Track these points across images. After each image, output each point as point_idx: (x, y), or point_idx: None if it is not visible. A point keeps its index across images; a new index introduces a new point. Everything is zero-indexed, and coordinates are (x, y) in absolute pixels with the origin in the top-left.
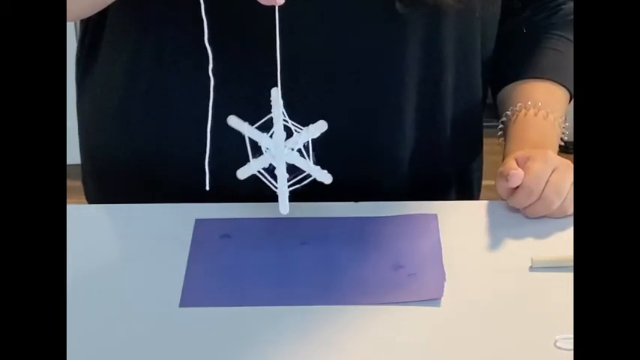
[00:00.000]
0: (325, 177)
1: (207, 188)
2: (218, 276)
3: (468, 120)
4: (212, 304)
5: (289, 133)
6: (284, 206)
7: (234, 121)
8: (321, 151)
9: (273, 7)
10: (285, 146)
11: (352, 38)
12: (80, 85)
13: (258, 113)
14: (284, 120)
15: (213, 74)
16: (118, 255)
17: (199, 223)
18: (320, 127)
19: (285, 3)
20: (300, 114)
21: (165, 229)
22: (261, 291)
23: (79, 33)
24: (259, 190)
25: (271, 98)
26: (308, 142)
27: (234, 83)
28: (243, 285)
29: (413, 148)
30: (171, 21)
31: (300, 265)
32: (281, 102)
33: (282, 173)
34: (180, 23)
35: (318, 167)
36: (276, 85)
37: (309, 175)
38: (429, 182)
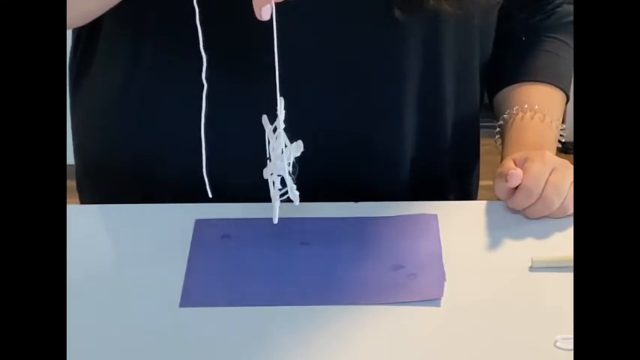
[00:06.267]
0: (295, 197)
1: (210, 195)
2: (218, 276)
3: (467, 123)
4: (212, 304)
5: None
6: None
7: (265, 120)
8: (321, 153)
9: (270, 14)
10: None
11: (352, 44)
12: (73, 92)
13: (255, 118)
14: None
15: (207, 79)
16: (118, 255)
17: (199, 223)
18: (297, 147)
19: (282, 9)
20: (301, 118)
21: (165, 229)
22: (261, 291)
23: (71, 42)
24: (258, 195)
25: (277, 111)
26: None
27: (231, 89)
28: (243, 285)
29: (413, 152)
30: (167, 29)
31: (300, 265)
32: (283, 114)
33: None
34: (176, 31)
35: (294, 186)
36: (275, 91)
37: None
38: (428, 184)
